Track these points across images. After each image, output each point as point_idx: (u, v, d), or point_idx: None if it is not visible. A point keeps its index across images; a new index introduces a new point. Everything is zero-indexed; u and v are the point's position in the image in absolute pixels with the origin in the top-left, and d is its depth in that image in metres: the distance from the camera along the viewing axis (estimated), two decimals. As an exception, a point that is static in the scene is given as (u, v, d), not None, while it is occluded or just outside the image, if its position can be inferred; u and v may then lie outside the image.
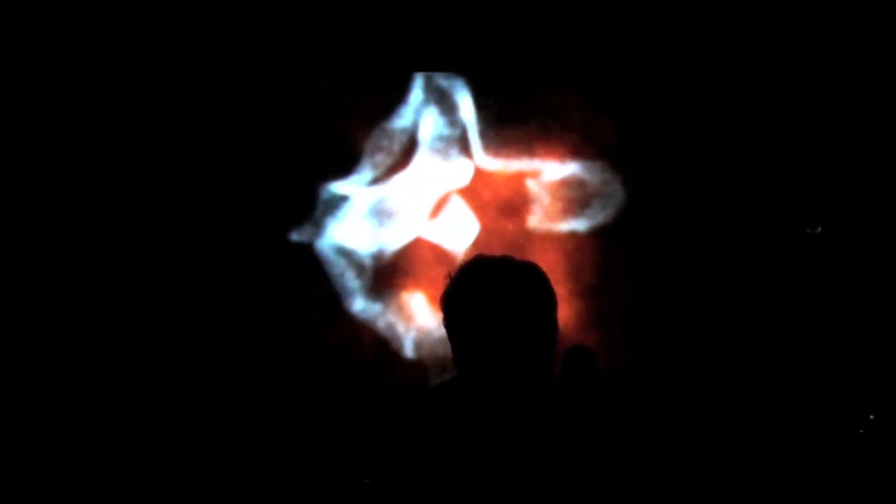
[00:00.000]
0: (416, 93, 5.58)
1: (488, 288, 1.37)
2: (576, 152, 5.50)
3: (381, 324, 5.49)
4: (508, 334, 1.34)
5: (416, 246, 5.54)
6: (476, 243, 5.50)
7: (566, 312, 5.21)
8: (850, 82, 5.05)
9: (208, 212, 5.30)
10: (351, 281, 5.48)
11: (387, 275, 5.54)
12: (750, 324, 5.04)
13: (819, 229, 4.97)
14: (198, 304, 5.21)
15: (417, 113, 5.56)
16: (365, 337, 5.46)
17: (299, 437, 5.08)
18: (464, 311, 1.37)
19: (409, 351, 5.50)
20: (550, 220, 5.55)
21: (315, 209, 5.52)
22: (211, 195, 5.30)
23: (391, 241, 5.56)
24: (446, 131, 5.57)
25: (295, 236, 5.49)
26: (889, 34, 4.89)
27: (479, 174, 5.56)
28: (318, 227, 5.52)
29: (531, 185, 5.54)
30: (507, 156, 5.54)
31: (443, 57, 5.37)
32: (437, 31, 5.22)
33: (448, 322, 1.40)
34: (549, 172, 5.51)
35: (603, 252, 5.45)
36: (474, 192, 5.58)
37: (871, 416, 2.68)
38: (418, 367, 5.46)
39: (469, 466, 1.30)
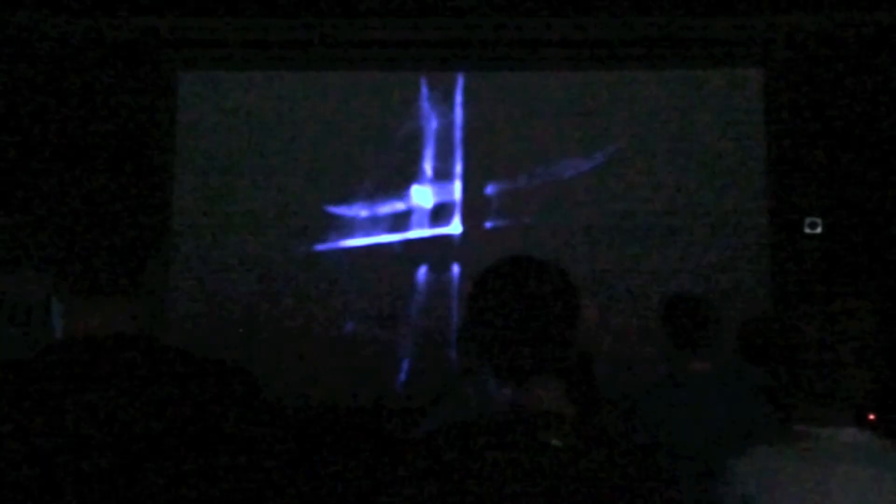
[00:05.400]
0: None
1: (518, 282, 1.38)
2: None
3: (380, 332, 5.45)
4: (534, 328, 1.35)
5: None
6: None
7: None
8: None
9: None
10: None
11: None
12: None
13: (819, 228, 4.95)
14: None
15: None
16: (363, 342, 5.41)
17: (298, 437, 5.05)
18: (491, 305, 1.38)
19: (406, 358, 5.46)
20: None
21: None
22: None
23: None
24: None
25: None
26: None
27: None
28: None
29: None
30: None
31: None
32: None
33: (472, 317, 1.41)
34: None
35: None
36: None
37: (871, 417, 2.65)
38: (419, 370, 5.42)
39: (471, 465, 1.28)
